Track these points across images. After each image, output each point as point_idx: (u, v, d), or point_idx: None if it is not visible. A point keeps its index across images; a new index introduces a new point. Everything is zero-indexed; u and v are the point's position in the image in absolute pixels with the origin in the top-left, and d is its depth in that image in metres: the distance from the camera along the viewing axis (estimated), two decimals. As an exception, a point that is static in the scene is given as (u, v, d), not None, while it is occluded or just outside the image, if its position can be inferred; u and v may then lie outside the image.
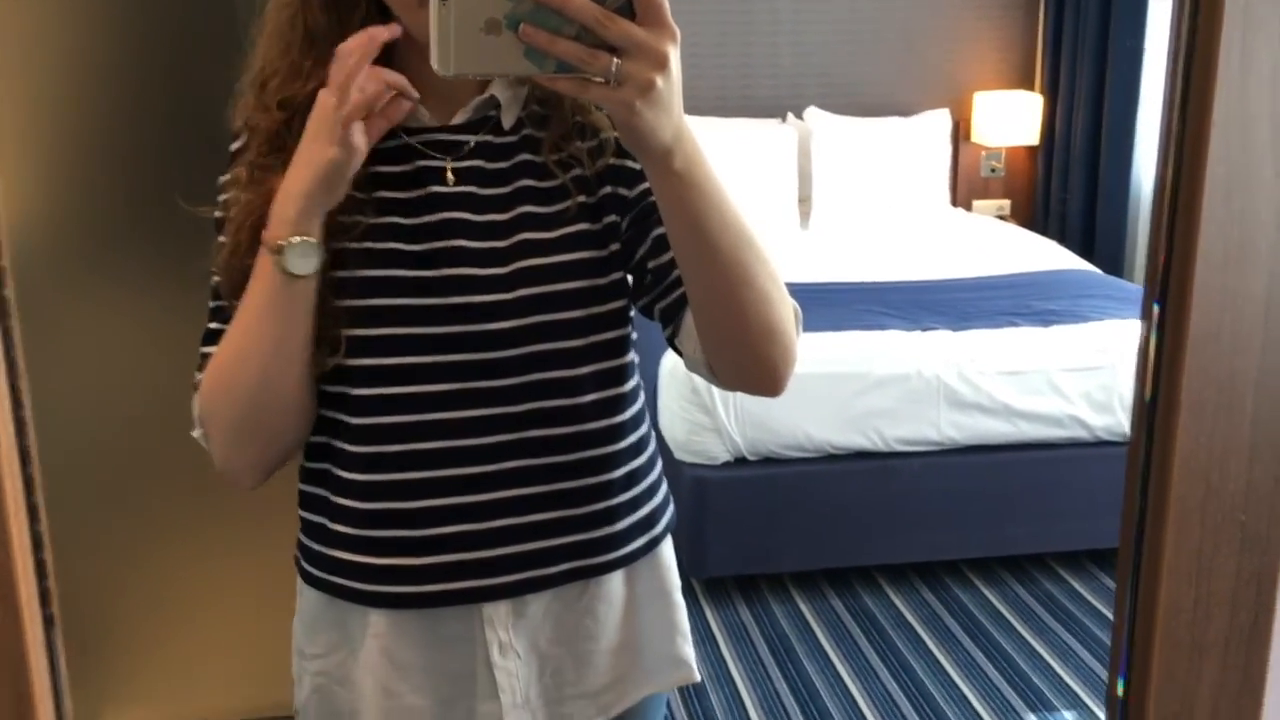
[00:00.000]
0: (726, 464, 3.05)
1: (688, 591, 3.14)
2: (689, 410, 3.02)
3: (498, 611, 1.15)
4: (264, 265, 1.02)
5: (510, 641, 1.16)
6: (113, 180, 2.34)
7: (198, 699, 2.60)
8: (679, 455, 3.06)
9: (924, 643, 2.96)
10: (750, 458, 3.05)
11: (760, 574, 3.24)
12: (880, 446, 3.09)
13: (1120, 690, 0.82)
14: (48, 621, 0.61)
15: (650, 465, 1.22)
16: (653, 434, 1.24)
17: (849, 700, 2.72)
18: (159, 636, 2.55)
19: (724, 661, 2.88)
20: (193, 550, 2.51)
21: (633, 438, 1.18)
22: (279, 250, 1.00)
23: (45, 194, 2.35)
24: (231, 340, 1.06)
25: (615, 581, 1.19)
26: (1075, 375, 3.14)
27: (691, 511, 3.02)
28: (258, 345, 1.03)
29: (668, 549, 1.25)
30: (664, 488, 1.25)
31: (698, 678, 1.28)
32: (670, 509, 1.26)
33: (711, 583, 3.21)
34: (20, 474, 0.64)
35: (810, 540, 3.14)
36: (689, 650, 1.27)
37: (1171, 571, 0.70)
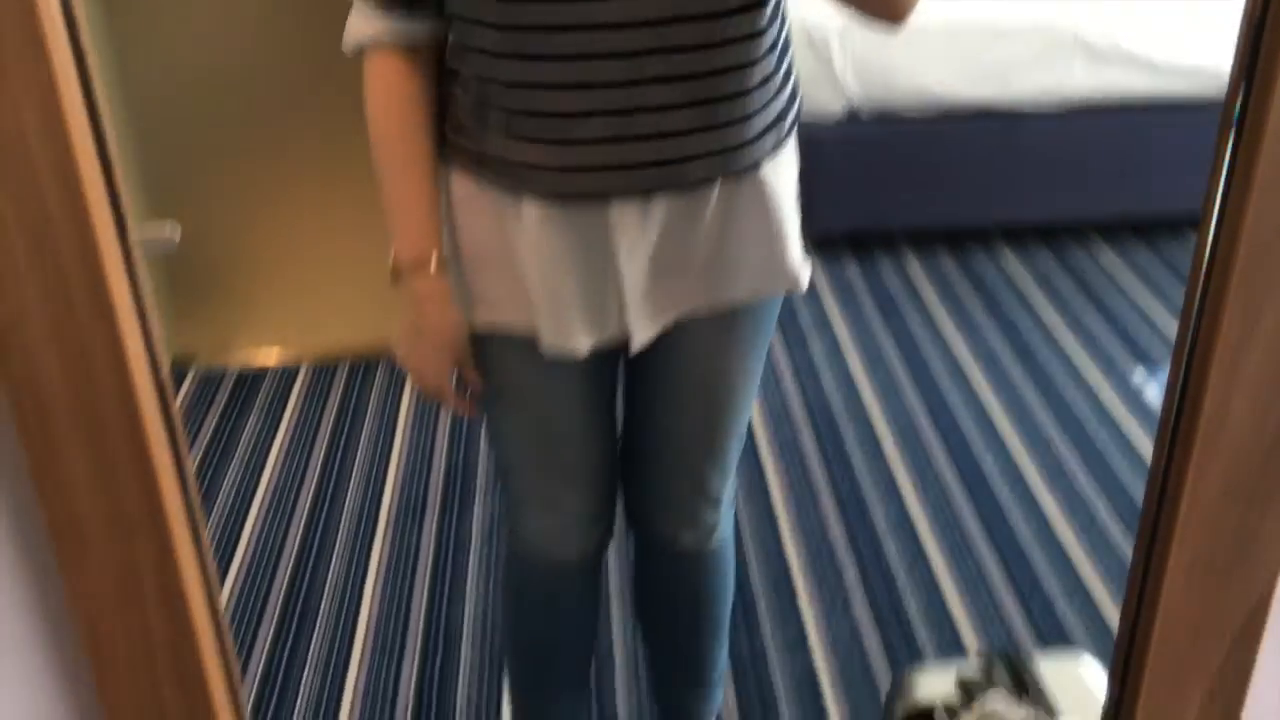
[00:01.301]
0: (840, 121, 2.94)
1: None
2: (803, 59, 2.88)
3: (626, 210, 1.16)
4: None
5: (635, 241, 1.18)
6: None
7: (322, 334, 2.74)
8: (792, 107, 2.96)
9: (1031, 305, 2.93)
10: (865, 114, 2.93)
11: (871, 232, 3.20)
12: (1006, 103, 2.93)
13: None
14: (126, 255, 0.60)
15: (780, 67, 1.19)
16: (789, 31, 1.20)
17: (950, 353, 2.74)
18: (283, 273, 2.67)
19: (828, 314, 2.90)
20: (313, 185, 2.57)
21: (769, 42, 1.15)
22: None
23: None
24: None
25: (741, 184, 1.19)
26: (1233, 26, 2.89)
27: (804, 168, 2.95)
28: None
29: (790, 150, 1.24)
30: (791, 84, 1.22)
31: (804, 287, 1.29)
32: (797, 105, 1.24)
33: (821, 239, 3.19)
34: (86, 108, 0.61)
35: (924, 199, 3.06)
36: (799, 256, 1.28)
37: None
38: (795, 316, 2.89)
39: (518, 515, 1.44)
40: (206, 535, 0.62)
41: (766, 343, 1.36)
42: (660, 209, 1.16)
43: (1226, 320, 0.49)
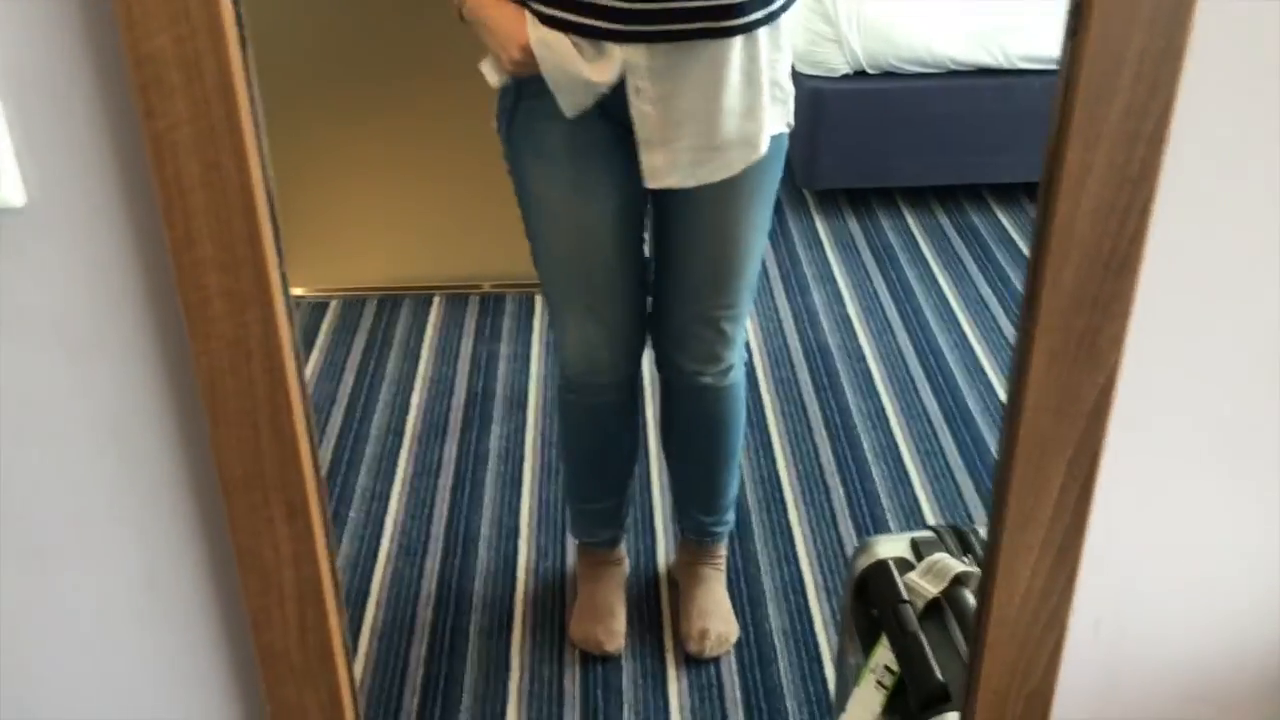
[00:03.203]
0: (845, 76, 3.10)
1: (800, 203, 3.30)
2: (811, 20, 3.04)
3: (638, 57, 1.40)
4: None
5: (647, 89, 1.42)
6: None
7: (350, 271, 2.92)
8: (798, 66, 3.11)
9: (1024, 256, 3.08)
10: (869, 70, 3.09)
11: (871, 188, 3.36)
12: (1003, 63, 3.08)
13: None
14: (250, 88, 0.75)
15: None
16: None
17: (943, 302, 2.90)
18: (312, 212, 2.84)
19: (829, 265, 3.06)
20: (339, 124, 2.75)
21: None
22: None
23: None
24: None
25: (735, 47, 1.43)
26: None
27: (807, 124, 3.11)
28: None
29: (785, 23, 1.50)
30: None
31: (791, 124, 1.57)
32: None
33: (823, 195, 3.35)
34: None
35: (923, 156, 3.22)
36: (790, 107, 1.56)
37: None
38: (798, 266, 3.05)
39: (562, 332, 1.70)
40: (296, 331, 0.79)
41: (772, 193, 1.60)
42: (664, 60, 1.40)
43: (1069, 161, 0.65)
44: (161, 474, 0.78)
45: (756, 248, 1.65)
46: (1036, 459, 0.75)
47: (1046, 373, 0.73)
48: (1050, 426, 0.74)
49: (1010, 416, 0.76)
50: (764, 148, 1.52)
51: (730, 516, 2.00)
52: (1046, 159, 0.69)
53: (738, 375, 1.80)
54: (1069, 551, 0.79)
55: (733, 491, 1.97)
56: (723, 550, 2.03)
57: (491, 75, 1.53)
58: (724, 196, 1.56)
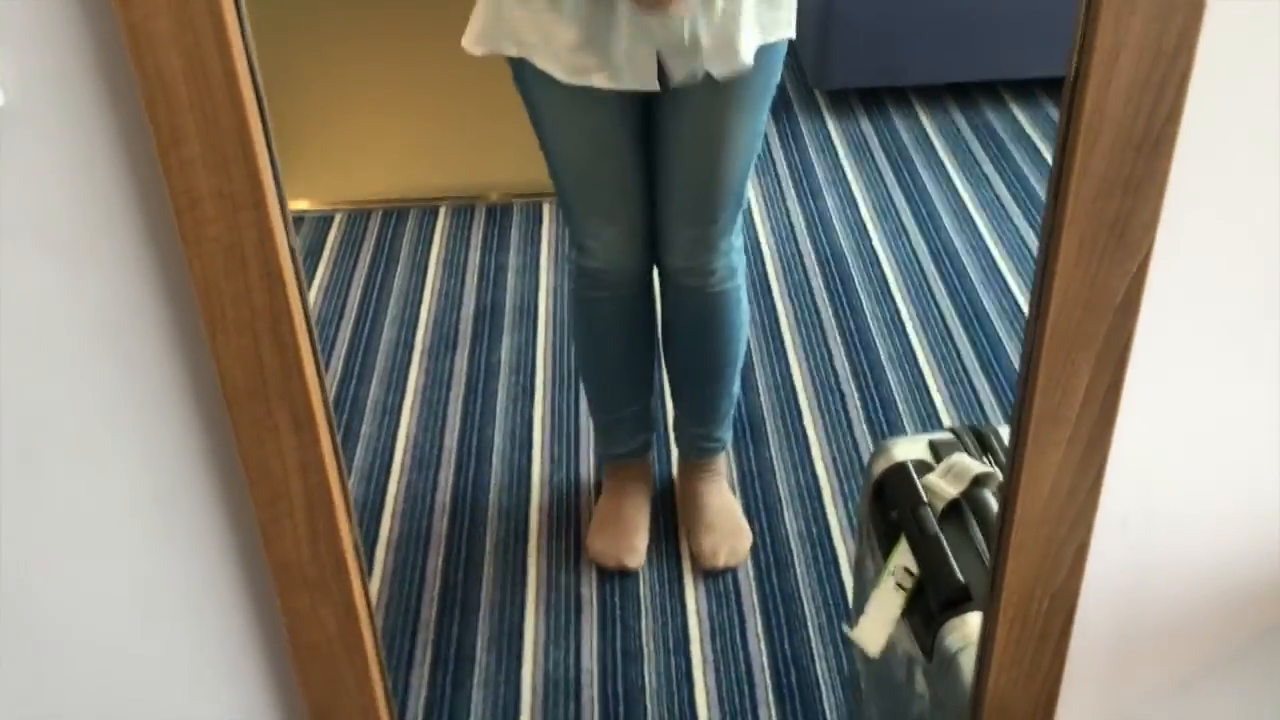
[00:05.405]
0: (857, -27, 3.01)
1: (811, 103, 3.23)
2: (821, -87, 2.94)
3: None
4: None
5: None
6: None
7: (355, 183, 2.88)
8: (809, -37, 3.02)
9: (1042, 156, 3.02)
10: (881, -35, 3.00)
11: (884, 87, 3.28)
12: (1019, -45, 2.99)
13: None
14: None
15: None
16: None
17: (959, 203, 2.85)
18: (315, 125, 2.79)
19: (841, 169, 3.00)
20: (345, 35, 2.68)
21: None
22: None
23: None
24: None
25: None
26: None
27: (818, 22, 3.03)
28: None
29: None
30: None
31: (793, 34, 1.52)
32: None
33: (834, 94, 3.27)
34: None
35: (937, 52, 3.13)
36: (787, 16, 1.51)
37: None
38: (810, 170, 2.99)
39: (581, 236, 1.70)
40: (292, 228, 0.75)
41: (763, 108, 1.57)
42: None
43: (1101, 34, 0.61)
44: (162, 383, 0.76)
45: (742, 162, 1.62)
46: (1064, 354, 0.72)
47: (1075, 263, 0.70)
48: (1079, 320, 0.71)
49: (1036, 311, 0.73)
50: (747, 56, 1.46)
51: (724, 435, 1.98)
52: (1077, 33, 0.65)
53: (730, 285, 1.77)
54: (1096, 449, 0.77)
55: (725, 407, 1.94)
56: (720, 463, 2.01)
57: (475, 48, 1.53)
58: (711, 107, 1.53)
